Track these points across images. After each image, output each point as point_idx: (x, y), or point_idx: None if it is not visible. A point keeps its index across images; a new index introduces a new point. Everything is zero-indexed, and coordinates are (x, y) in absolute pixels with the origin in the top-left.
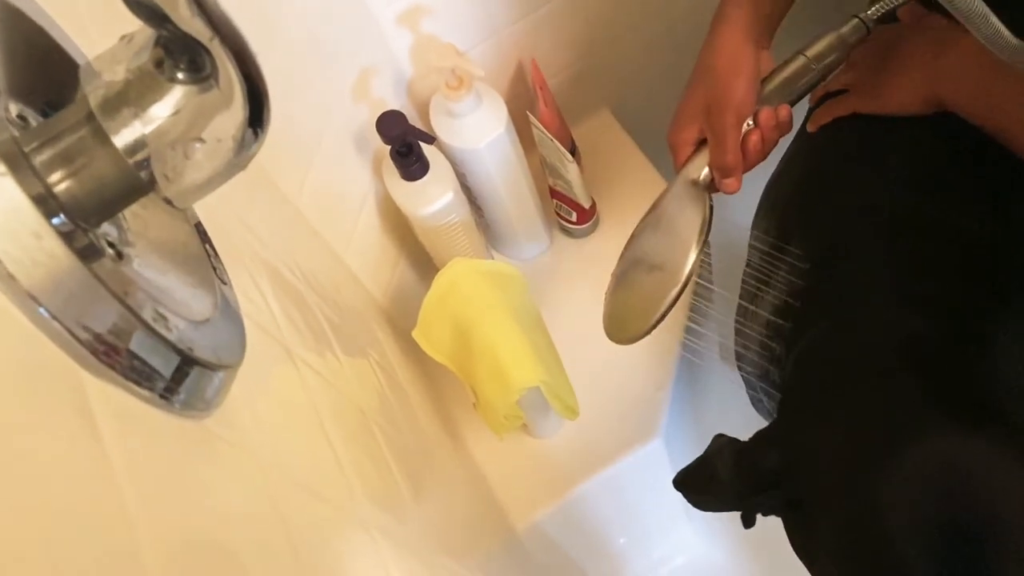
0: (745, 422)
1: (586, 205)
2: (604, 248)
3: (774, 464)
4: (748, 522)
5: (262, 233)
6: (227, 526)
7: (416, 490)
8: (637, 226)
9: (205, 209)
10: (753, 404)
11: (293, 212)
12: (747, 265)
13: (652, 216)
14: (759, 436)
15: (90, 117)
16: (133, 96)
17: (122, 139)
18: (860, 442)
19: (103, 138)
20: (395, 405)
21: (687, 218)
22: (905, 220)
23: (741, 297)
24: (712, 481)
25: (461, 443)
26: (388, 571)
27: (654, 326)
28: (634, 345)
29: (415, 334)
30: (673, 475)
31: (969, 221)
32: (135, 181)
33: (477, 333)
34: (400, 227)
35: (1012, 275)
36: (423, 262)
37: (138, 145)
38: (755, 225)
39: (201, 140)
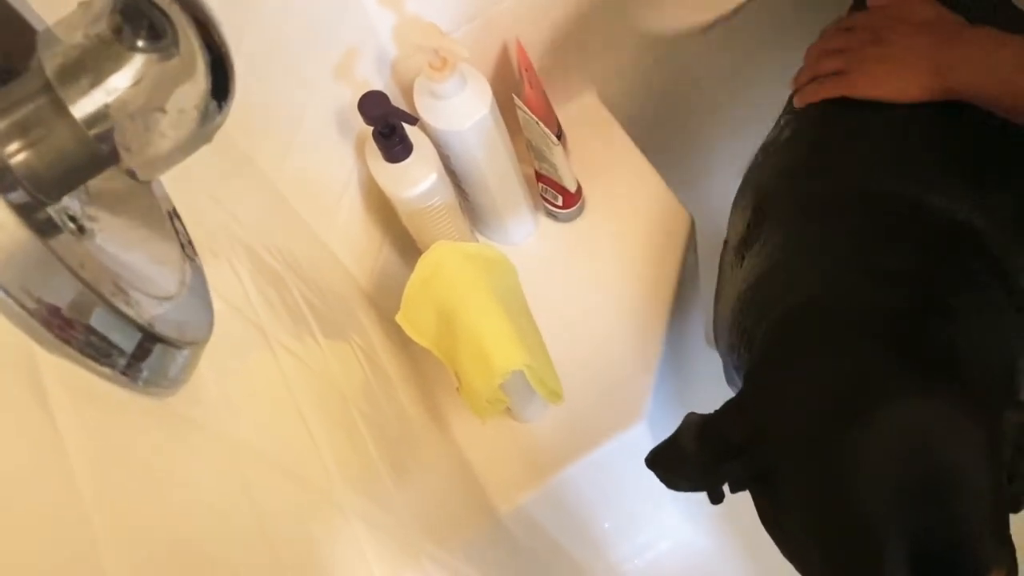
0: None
1: (572, 189)
2: (590, 232)
3: (739, 433)
4: (715, 498)
5: (240, 214)
6: (193, 513)
7: (398, 475)
8: None
9: (178, 188)
10: (728, 382)
11: (273, 194)
12: (724, 243)
13: None
14: (724, 406)
15: (47, 87)
16: (91, 64)
17: (81, 109)
18: (825, 408)
19: (61, 108)
20: (377, 390)
21: None
22: (876, 198)
23: (719, 277)
24: (680, 457)
25: (445, 428)
26: (366, 557)
27: None
28: (619, 329)
29: (398, 318)
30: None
31: (941, 199)
32: (95, 153)
33: (461, 317)
34: (384, 210)
35: (979, 251)
36: (407, 246)
37: (98, 116)
38: (734, 204)
39: (163, 111)
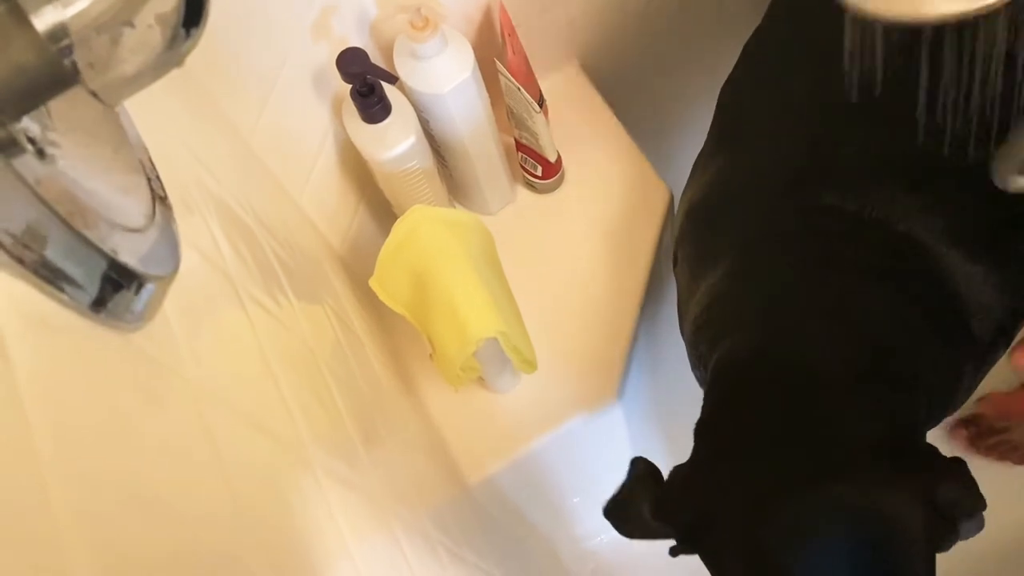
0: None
1: (552, 159)
2: (569, 204)
3: (686, 520)
4: (673, 553)
5: (212, 166)
6: (150, 455)
7: (368, 438)
8: None
9: (151, 134)
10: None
11: (246, 150)
12: (673, 256)
13: None
14: (674, 483)
15: None
16: None
17: (42, 20)
18: (756, 493)
19: (20, 18)
20: (349, 353)
21: None
22: (813, 212)
23: (678, 290)
24: (634, 520)
25: (416, 395)
26: (332, 513)
27: None
28: (595, 301)
29: (372, 282)
30: (629, 436)
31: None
32: (57, 69)
33: (435, 282)
34: (360, 173)
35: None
36: (383, 210)
37: (60, 28)
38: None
39: (130, 24)
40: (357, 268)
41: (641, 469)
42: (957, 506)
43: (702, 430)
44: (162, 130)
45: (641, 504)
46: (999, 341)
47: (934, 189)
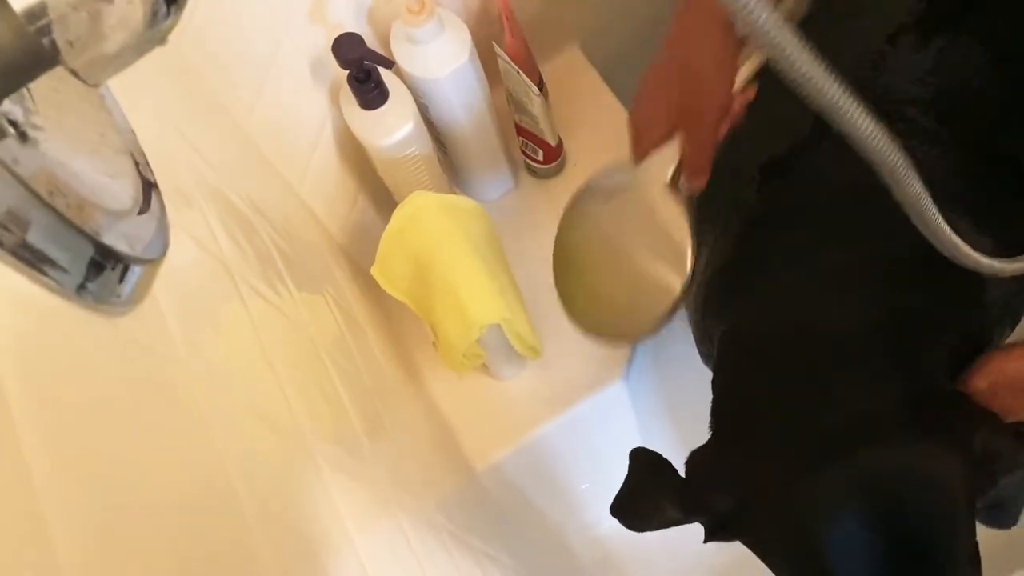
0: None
1: (552, 143)
2: (571, 189)
3: (719, 507)
4: (708, 540)
5: (209, 156)
6: (144, 449)
7: (372, 427)
8: (576, 197)
9: (147, 127)
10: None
11: (243, 139)
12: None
13: (602, 191)
14: (698, 470)
15: None
16: None
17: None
18: (787, 470)
19: None
20: (351, 342)
21: (670, 216)
22: (836, 192)
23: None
24: (655, 512)
25: (420, 383)
26: (334, 501)
27: (650, 332)
28: None
29: (373, 271)
30: (637, 421)
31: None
32: (36, 49)
33: (437, 269)
34: (359, 161)
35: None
36: (383, 198)
37: (38, 7)
38: None
39: (108, 1)
40: (358, 256)
41: (643, 460)
42: (997, 459)
43: (719, 408)
44: (157, 119)
45: (657, 497)
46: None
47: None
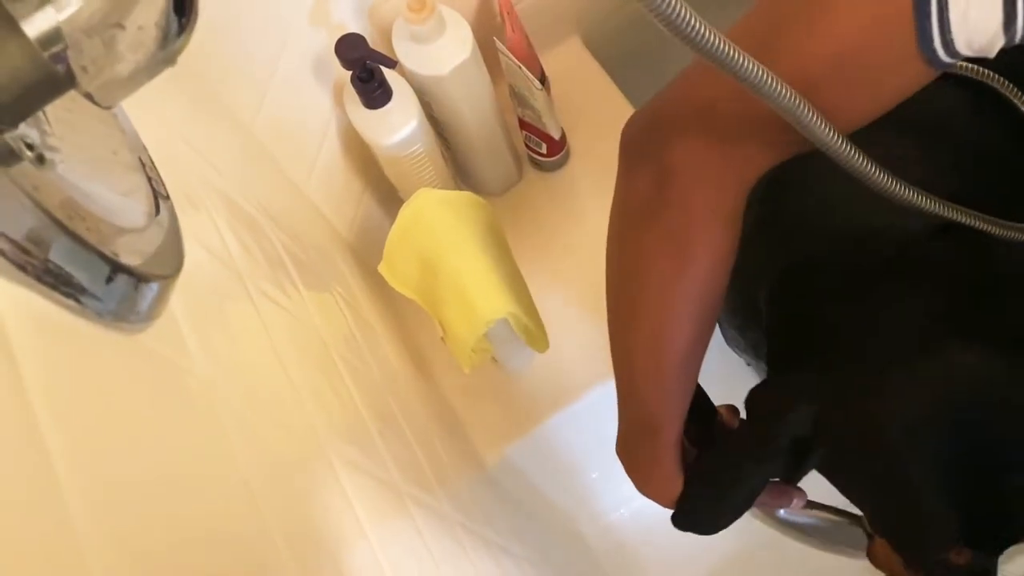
0: (716, 354)
1: (556, 136)
2: (575, 181)
3: (798, 428)
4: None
5: (215, 161)
6: (162, 454)
7: (383, 424)
8: None
9: (153, 134)
10: (726, 341)
11: (249, 142)
12: None
13: None
14: (765, 399)
15: None
16: None
17: (34, 27)
18: (858, 382)
19: (12, 26)
20: (361, 340)
21: None
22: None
23: None
24: (738, 475)
25: (430, 378)
26: (348, 498)
27: None
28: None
29: (381, 268)
30: None
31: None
32: (51, 75)
33: (443, 265)
34: (364, 159)
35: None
36: (389, 196)
37: (53, 34)
38: None
39: (121, 27)
40: (365, 254)
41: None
42: None
43: (776, 350)
44: (163, 127)
45: (732, 459)
46: None
47: None
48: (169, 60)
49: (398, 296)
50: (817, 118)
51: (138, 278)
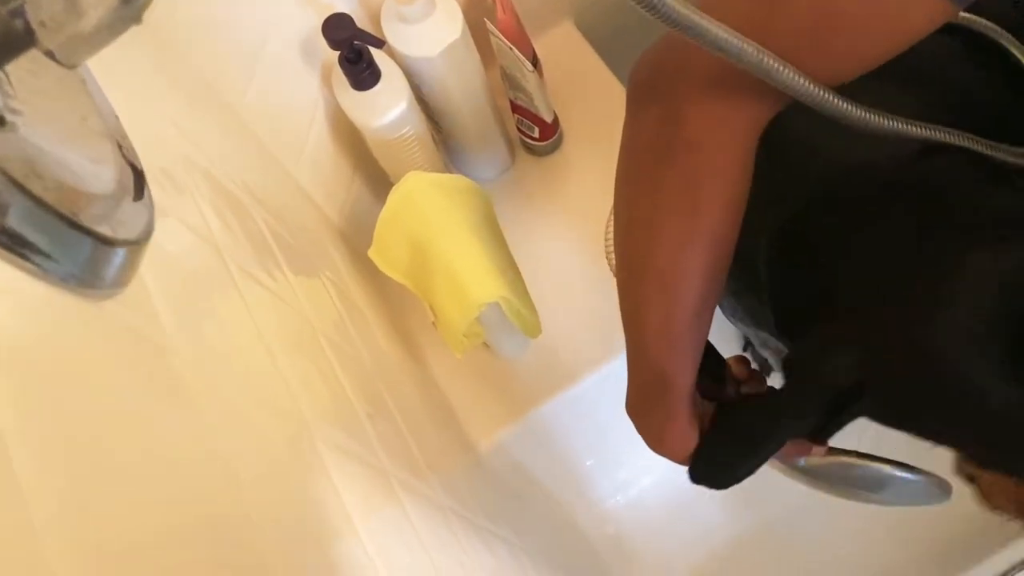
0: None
1: (548, 119)
2: (568, 166)
3: (845, 373)
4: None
5: (200, 141)
6: (135, 435)
7: (373, 409)
8: None
9: (136, 111)
10: (722, 310)
11: (237, 123)
12: None
13: None
14: (806, 352)
15: None
16: None
17: None
18: (905, 298)
19: None
20: (350, 325)
21: None
22: None
23: None
24: (766, 440)
25: (422, 363)
26: (336, 485)
27: None
28: (599, 264)
29: (371, 253)
30: None
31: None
32: (9, 31)
33: (434, 249)
34: (354, 143)
35: None
36: (379, 179)
37: None
38: None
39: None
40: (355, 239)
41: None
42: None
43: (793, 307)
44: (147, 106)
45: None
46: None
47: None
48: (135, 17)
49: (389, 281)
50: (790, 71)
51: (103, 243)
